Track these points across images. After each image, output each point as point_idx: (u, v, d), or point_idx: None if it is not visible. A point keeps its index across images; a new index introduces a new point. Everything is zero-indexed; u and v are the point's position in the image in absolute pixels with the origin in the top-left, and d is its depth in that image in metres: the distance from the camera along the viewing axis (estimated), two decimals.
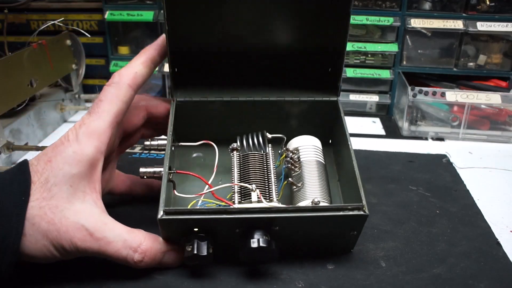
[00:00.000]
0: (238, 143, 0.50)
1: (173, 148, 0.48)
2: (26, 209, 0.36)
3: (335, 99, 0.52)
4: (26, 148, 0.65)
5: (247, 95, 0.52)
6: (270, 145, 0.50)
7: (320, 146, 0.51)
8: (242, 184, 0.46)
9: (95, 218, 0.38)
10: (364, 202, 0.41)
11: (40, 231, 0.36)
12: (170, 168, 0.44)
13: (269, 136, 0.50)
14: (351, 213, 0.40)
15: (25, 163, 0.39)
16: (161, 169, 0.43)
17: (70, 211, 0.37)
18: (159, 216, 0.38)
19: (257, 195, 0.44)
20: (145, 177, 0.45)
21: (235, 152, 0.49)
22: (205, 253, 0.39)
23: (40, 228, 0.36)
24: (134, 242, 0.39)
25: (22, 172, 0.38)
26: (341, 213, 0.40)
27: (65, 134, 0.40)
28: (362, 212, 0.40)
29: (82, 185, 0.38)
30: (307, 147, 0.49)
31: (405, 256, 0.45)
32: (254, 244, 0.39)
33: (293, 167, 0.48)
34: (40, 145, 0.70)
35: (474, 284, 0.41)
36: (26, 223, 0.36)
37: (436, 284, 0.41)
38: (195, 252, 0.39)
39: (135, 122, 0.47)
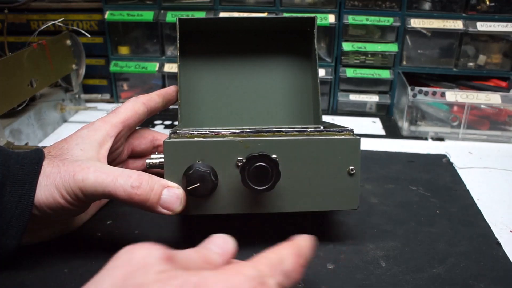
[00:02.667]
0: None
1: None
2: (38, 175, 0.39)
3: None
4: (26, 148, 0.65)
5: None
6: None
7: None
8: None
9: (100, 162, 0.42)
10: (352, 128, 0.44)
11: (46, 174, 0.39)
12: None
13: None
14: (343, 137, 0.43)
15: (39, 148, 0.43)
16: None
17: (76, 161, 0.41)
18: (165, 139, 0.41)
19: None
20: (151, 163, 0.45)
21: None
22: (207, 169, 0.40)
23: (45, 172, 0.39)
24: (133, 171, 0.40)
25: (35, 150, 0.42)
26: (336, 136, 0.43)
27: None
28: (351, 136, 0.43)
29: (92, 151, 0.43)
30: None
31: (405, 256, 0.45)
32: (255, 154, 0.39)
33: None
34: (40, 145, 0.70)
35: (474, 284, 0.41)
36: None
37: (436, 284, 0.41)
38: (197, 168, 0.39)
39: (143, 147, 0.52)
